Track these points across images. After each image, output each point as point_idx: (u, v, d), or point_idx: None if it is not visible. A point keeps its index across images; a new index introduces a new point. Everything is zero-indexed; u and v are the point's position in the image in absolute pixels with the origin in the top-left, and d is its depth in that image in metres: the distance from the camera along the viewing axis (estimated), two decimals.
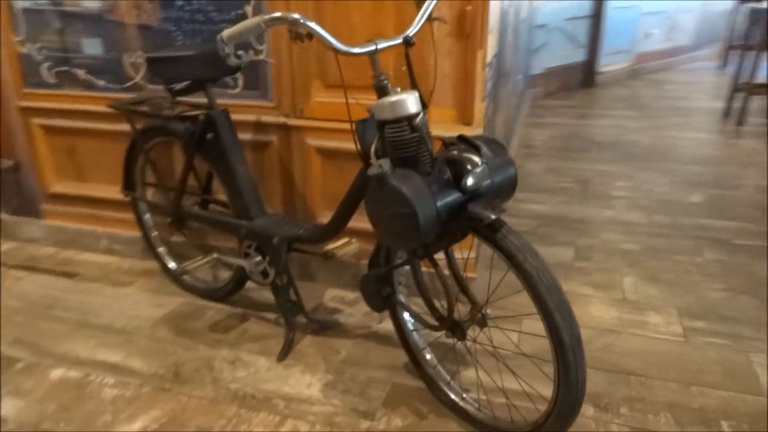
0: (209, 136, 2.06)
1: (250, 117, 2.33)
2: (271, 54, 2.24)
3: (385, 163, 1.40)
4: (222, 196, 2.22)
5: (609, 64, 6.99)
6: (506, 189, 1.49)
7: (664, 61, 7.86)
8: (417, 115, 1.42)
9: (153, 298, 2.41)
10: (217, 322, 2.23)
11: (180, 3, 2.28)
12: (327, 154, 2.31)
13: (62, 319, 2.26)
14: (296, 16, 1.37)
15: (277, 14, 1.38)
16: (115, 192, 2.66)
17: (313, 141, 2.30)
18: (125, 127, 2.48)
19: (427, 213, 1.34)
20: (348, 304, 2.35)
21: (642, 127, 5.05)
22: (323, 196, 2.38)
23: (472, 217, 1.39)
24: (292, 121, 2.30)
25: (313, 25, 1.39)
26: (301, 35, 1.44)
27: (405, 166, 1.43)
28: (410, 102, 1.42)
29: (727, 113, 5.25)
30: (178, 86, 2.04)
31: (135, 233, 2.69)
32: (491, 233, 1.40)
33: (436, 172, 1.42)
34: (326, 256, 2.06)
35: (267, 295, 2.37)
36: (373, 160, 1.50)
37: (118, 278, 2.58)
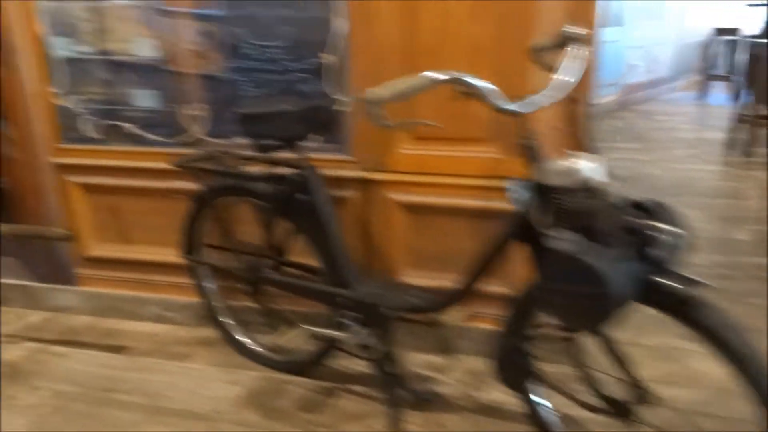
0: (299, 196, 1.89)
1: (326, 171, 2.16)
2: (350, 102, 2.10)
3: (573, 237, 1.27)
4: (300, 258, 2.04)
5: (600, 96, 7.10)
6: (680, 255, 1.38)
7: (647, 92, 8.05)
8: (599, 181, 1.30)
9: (222, 373, 2.18)
10: (306, 400, 2.02)
11: (249, 52, 2.11)
12: (413, 209, 2.15)
13: (129, 405, 2.01)
14: (473, 79, 1.24)
15: (452, 74, 1.25)
16: (164, 254, 2.43)
17: (397, 196, 2.15)
18: (179, 184, 2.28)
19: (620, 291, 1.21)
20: (438, 371, 2.18)
21: (652, 161, 5.08)
22: (408, 253, 2.22)
23: (663, 292, 1.26)
24: (373, 175, 2.14)
25: (484, 84, 1.26)
26: (465, 95, 1.31)
27: (583, 235, 1.29)
28: (594, 168, 1.30)
29: (731, 144, 5.35)
30: (268, 143, 1.87)
31: (186, 298, 2.46)
32: (682, 307, 1.28)
33: (618, 242, 1.30)
34: (433, 323, 1.90)
35: (352, 365, 2.17)
36: (545, 229, 1.36)
37: (175, 350, 2.34)
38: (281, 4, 2.03)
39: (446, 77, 1.26)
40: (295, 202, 1.90)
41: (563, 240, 1.27)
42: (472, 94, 1.30)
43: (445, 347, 2.24)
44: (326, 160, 2.15)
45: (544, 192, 1.38)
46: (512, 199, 1.44)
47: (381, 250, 2.23)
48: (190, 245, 2.27)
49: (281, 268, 2.13)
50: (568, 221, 1.31)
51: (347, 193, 2.18)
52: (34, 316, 2.62)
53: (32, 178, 2.45)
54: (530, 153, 1.39)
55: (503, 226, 1.53)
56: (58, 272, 2.60)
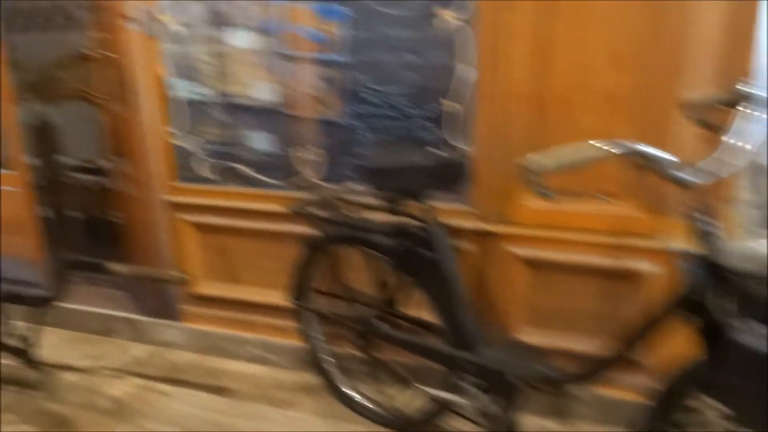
0: (422, 252, 1.80)
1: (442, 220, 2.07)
2: (472, 151, 2.00)
3: (763, 331, 1.12)
4: (414, 311, 1.95)
5: None
6: None
7: None
8: None
9: (329, 424, 2.11)
10: None
11: (369, 97, 2.06)
12: (535, 265, 2.03)
13: None
14: (655, 151, 1.12)
15: (629, 145, 1.13)
16: (269, 295, 2.41)
17: (518, 250, 2.03)
18: (291, 228, 2.25)
19: None
20: None
21: None
22: (526, 311, 2.09)
23: None
24: (494, 228, 2.03)
25: (666, 156, 1.14)
26: (638, 166, 1.19)
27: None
28: None
29: None
30: (393, 195, 1.80)
31: (290, 341, 2.41)
32: None
33: None
34: (562, 394, 1.75)
35: (465, 427, 2.05)
36: (725, 315, 1.21)
37: (279, 396, 2.29)
38: (406, 51, 1.97)
39: (623, 149, 1.15)
40: (417, 257, 1.81)
41: (752, 335, 1.12)
42: (648, 165, 1.17)
43: (562, 412, 2.09)
44: (443, 210, 2.06)
45: (721, 273, 1.23)
46: (683, 273, 1.30)
47: (497, 305, 2.11)
48: (299, 290, 2.22)
49: (393, 320, 2.04)
50: (755, 311, 1.16)
51: (464, 244, 2.08)
52: (139, 350, 2.65)
53: (146, 215, 2.48)
54: (704, 228, 1.25)
55: (668, 297, 1.38)
56: (164, 307, 2.62)
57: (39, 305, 2.24)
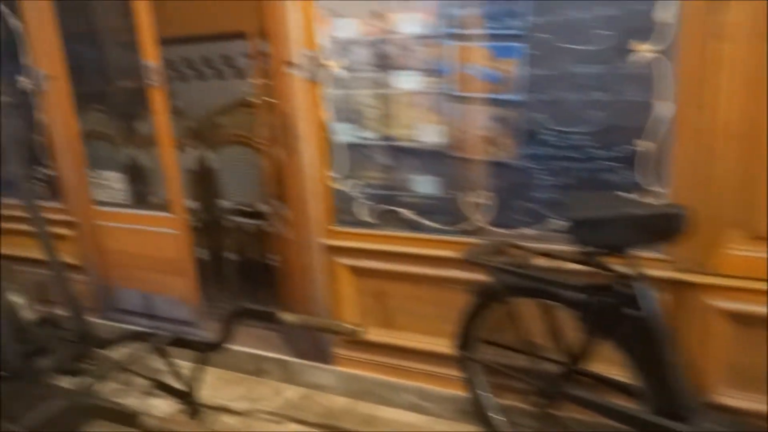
0: (626, 311, 1.64)
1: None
2: (668, 194, 1.82)
3: None
4: (603, 369, 1.78)
5: None
6: None
7: None
8: None
9: None
10: None
11: (548, 138, 1.93)
12: (740, 319, 1.81)
13: None
14: None
15: None
16: (427, 342, 2.32)
17: (721, 303, 1.82)
18: (455, 273, 2.16)
19: None
20: None
21: None
22: (728, 371, 1.86)
23: None
24: (692, 278, 1.84)
25: None
26: None
27: None
28: None
29: None
30: (591, 248, 1.65)
31: (449, 390, 2.30)
32: None
33: None
34: None
35: None
36: None
37: None
38: (593, 88, 1.83)
39: None
40: (617, 315, 1.65)
41: None
42: None
43: None
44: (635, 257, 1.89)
45: None
46: None
47: (693, 363, 1.90)
48: (466, 339, 2.11)
49: (580, 378, 1.88)
50: None
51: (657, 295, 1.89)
52: (291, 392, 2.63)
53: (302, 258, 2.47)
54: None
55: None
56: (316, 349, 2.59)
57: (206, 350, 2.26)
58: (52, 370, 2.22)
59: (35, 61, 2.78)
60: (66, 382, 2.39)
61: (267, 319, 2.12)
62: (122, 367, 2.19)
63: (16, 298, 2.17)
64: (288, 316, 2.05)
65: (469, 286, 2.08)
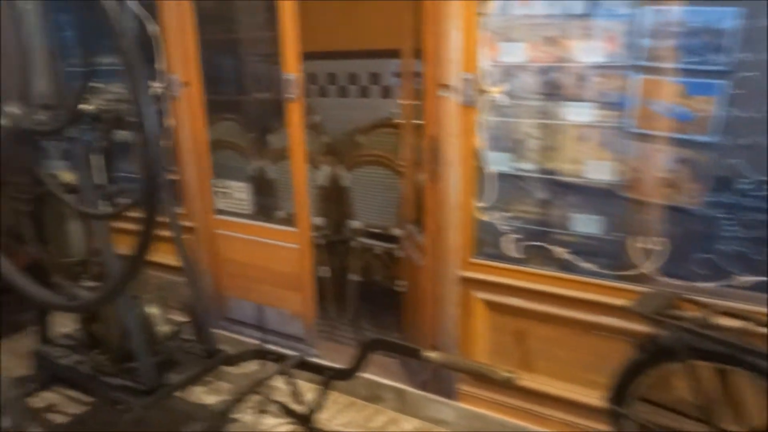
0: None
1: None
2: None
3: None
4: None
5: None
6: None
7: None
8: None
9: None
10: None
11: (741, 186, 1.75)
12: None
13: None
14: None
15: None
16: (567, 390, 2.17)
17: None
18: (609, 321, 2.00)
19: None
20: None
21: None
22: None
23: None
24: None
25: None
26: None
27: None
28: None
29: None
30: None
31: None
32: None
33: None
34: None
35: None
36: None
37: None
38: None
39: None
40: None
41: None
42: None
43: None
44: None
45: None
46: None
47: None
48: (622, 394, 1.94)
49: None
50: None
51: None
52: (409, 425, 2.52)
53: (434, 288, 2.36)
54: None
55: None
56: (438, 382, 2.48)
57: (335, 378, 2.18)
58: (182, 386, 2.19)
59: (170, 66, 2.77)
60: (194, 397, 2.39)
61: (408, 354, 2.02)
62: (255, 390, 2.12)
63: (153, 310, 2.14)
64: (432, 355, 1.93)
65: (630, 337, 1.93)
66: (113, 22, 1.55)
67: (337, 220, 2.79)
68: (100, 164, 2.06)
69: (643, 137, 1.86)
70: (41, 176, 1.92)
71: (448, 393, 2.46)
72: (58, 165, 2.17)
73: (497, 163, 2.13)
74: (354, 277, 2.82)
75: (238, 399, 2.03)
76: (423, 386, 2.53)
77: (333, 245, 2.85)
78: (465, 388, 2.43)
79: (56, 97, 2.02)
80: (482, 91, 2.08)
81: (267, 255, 2.80)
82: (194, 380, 2.21)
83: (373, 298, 2.76)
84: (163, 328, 2.13)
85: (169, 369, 2.17)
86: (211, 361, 2.26)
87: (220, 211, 2.91)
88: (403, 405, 2.58)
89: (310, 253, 2.67)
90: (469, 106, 2.10)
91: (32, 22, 2.32)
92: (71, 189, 2.08)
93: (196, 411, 2.49)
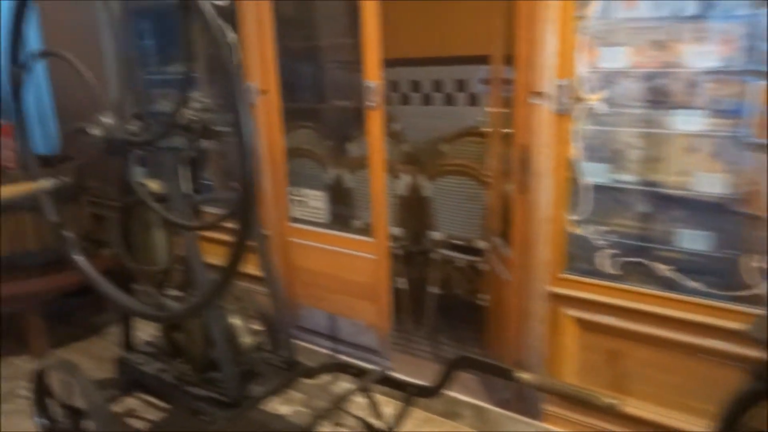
0: None
1: None
2: None
3: None
4: None
5: None
6: None
7: None
8: None
9: None
10: None
11: None
12: None
13: None
14: None
15: None
16: (667, 416, 2.04)
17: None
18: (717, 344, 1.87)
19: None
20: None
21: None
22: None
23: None
24: None
25: None
26: None
27: None
28: None
29: None
30: None
31: None
32: None
33: None
34: None
35: None
36: None
37: None
38: None
39: None
40: None
41: None
42: None
43: None
44: None
45: None
46: None
47: None
48: (732, 426, 1.80)
49: None
50: None
51: None
52: None
53: (519, 303, 2.26)
54: None
55: None
56: (520, 400, 2.38)
57: (418, 395, 2.11)
58: (264, 398, 2.16)
59: (247, 74, 2.77)
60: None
61: (498, 374, 1.92)
62: (338, 406, 2.08)
63: (236, 321, 2.12)
64: (526, 376, 1.84)
65: (742, 363, 1.79)
66: (213, 31, 1.52)
67: (417, 230, 2.72)
68: (186, 174, 2.06)
69: (762, 147, 1.72)
70: (132, 185, 1.91)
71: (533, 413, 2.36)
72: (141, 174, 2.19)
73: (593, 174, 2.02)
74: (433, 289, 2.75)
75: (322, 415, 1.99)
76: (504, 404, 2.43)
77: (411, 256, 2.78)
78: (551, 408, 2.32)
79: (143, 107, 2.02)
80: (578, 99, 1.97)
81: (342, 264, 2.76)
82: (275, 392, 2.18)
83: (452, 311, 2.68)
84: (246, 339, 2.10)
85: (250, 380, 2.15)
86: (292, 373, 2.23)
87: (295, 219, 2.88)
88: (483, 423, 2.48)
89: (387, 263, 2.61)
90: (563, 114, 2.00)
91: (120, 29, 2.36)
92: (158, 198, 2.09)
93: (273, 422, 2.47)
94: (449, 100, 2.74)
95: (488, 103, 2.16)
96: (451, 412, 2.57)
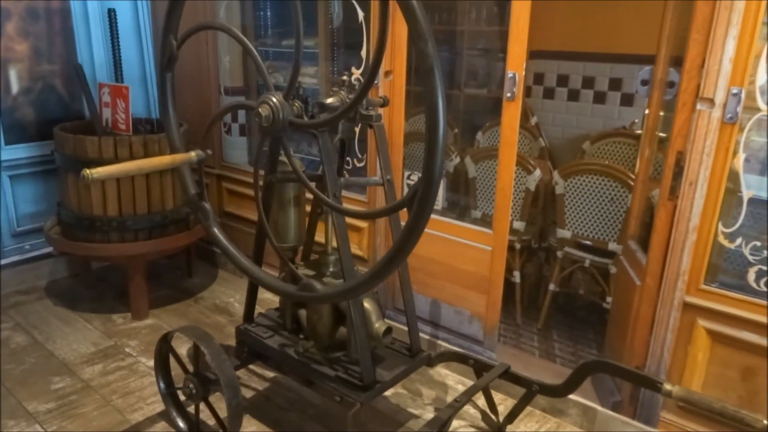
0: None
1: None
2: None
3: None
4: None
5: None
6: None
7: None
8: None
9: None
10: None
11: None
12: None
13: None
14: None
15: None
16: None
17: None
18: None
19: None
20: None
21: None
22: None
23: None
24: None
25: None
26: None
27: None
28: None
29: None
30: None
31: None
32: None
33: None
34: None
35: None
36: None
37: None
38: None
39: None
40: None
41: None
42: None
43: None
44: None
45: None
46: None
47: None
48: None
49: None
50: None
51: None
52: None
53: (650, 309, 2.23)
54: None
55: None
56: (636, 406, 2.36)
57: (543, 394, 2.11)
58: (392, 384, 2.18)
59: (371, 52, 2.73)
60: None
61: (641, 383, 1.91)
62: (466, 400, 2.08)
63: (368, 305, 2.13)
64: (676, 389, 1.82)
65: None
66: (416, 23, 1.46)
67: (542, 226, 2.68)
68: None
69: None
70: (291, 164, 1.91)
71: (647, 419, 2.34)
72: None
73: (757, 187, 1.95)
74: (551, 286, 2.72)
75: (456, 409, 1.99)
76: (616, 407, 2.42)
77: (531, 251, 2.75)
78: (669, 417, 2.30)
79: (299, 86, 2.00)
80: (753, 109, 1.90)
81: (453, 253, 2.75)
82: (400, 378, 2.20)
83: (570, 310, 2.65)
84: (377, 324, 2.12)
85: (376, 365, 2.17)
86: (415, 360, 2.25)
87: None
88: (590, 424, 2.48)
89: (503, 256, 2.59)
90: (731, 123, 1.93)
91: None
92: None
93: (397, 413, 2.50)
94: (600, 98, 2.66)
95: (646, 104, 2.10)
96: (556, 409, 2.57)
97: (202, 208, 2.16)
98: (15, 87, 3.49)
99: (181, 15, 2.05)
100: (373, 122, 2.12)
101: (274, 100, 1.79)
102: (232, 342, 2.53)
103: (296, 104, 1.87)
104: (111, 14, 3.23)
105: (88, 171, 1.69)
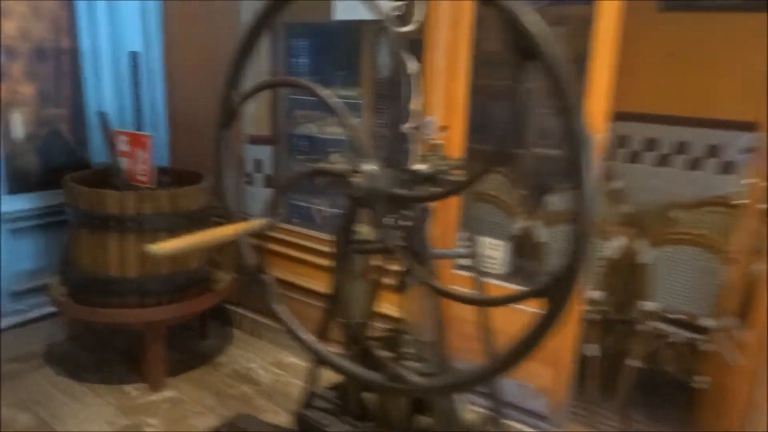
0: None
1: None
2: None
3: None
4: None
5: None
6: None
7: None
8: None
9: None
10: None
11: None
12: None
13: None
14: None
15: None
16: None
17: None
18: None
19: None
20: None
21: None
22: None
23: None
24: None
25: None
26: None
27: None
28: None
29: None
30: None
31: None
32: None
33: None
34: None
35: None
36: None
37: None
38: None
39: None
40: None
41: None
42: None
43: None
44: None
45: None
46: None
47: None
48: None
49: None
50: None
51: None
52: None
53: (747, 389, 2.06)
54: None
55: None
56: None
57: None
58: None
59: (427, 108, 2.56)
60: None
61: None
62: None
63: None
64: None
65: None
66: (560, 83, 1.26)
67: (624, 297, 2.52)
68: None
69: None
70: (380, 234, 1.69)
71: None
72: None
73: None
74: (633, 362, 2.54)
75: None
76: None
77: (610, 323, 2.58)
78: None
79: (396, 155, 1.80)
80: None
81: (513, 321, 2.53)
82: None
83: (654, 388, 2.47)
84: (468, 414, 1.89)
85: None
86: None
87: (461, 267, 2.67)
88: None
89: (575, 327, 2.40)
90: None
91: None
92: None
93: None
94: (694, 165, 2.53)
95: (747, 173, 1.98)
96: None
97: (263, 282, 1.92)
98: (20, 132, 3.19)
99: (245, 70, 1.85)
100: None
101: (369, 168, 1.59)
102: (265, 417, 2.29)
103: (392, 174, 1.68)
104: (134, 57, 3.00)
105: (154, 247, 1.46)
